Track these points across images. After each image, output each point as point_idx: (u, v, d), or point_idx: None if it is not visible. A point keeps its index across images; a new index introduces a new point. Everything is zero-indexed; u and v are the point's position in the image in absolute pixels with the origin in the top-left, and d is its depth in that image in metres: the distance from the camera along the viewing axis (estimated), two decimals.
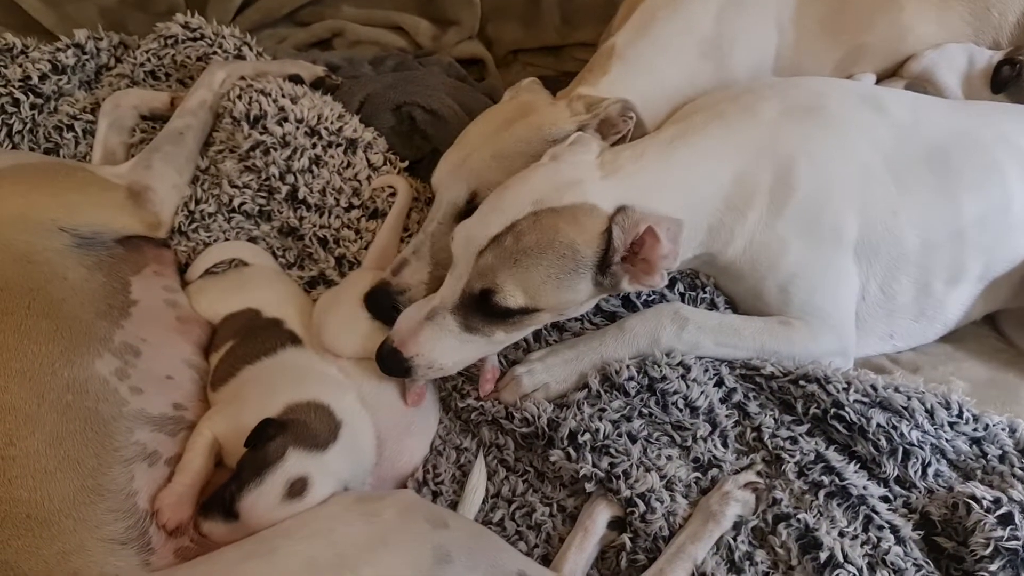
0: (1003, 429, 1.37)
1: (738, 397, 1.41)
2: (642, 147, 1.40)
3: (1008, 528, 1.17)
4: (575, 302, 1.32)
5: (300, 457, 1.17)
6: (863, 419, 1.34)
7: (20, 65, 1.85)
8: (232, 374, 1.36)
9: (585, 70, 1.65)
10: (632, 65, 1.59)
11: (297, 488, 1.14)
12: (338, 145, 1.66)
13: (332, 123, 1.67)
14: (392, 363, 1.30)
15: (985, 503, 1.21)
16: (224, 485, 1.17)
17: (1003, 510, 1.19)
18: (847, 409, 1.35)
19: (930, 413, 1.37)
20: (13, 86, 1.81)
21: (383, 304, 1.41)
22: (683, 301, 1.52)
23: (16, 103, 1.79)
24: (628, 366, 1.39)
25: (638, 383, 1.38)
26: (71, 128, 1.79)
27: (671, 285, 1.54)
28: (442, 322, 1.29)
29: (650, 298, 1.54)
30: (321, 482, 1.16)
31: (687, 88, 1.62)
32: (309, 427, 1.22)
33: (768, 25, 1.73)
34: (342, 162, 1.64)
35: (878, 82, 1.90)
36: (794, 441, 1.35)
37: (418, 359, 1.29)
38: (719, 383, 1.43)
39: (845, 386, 1.38)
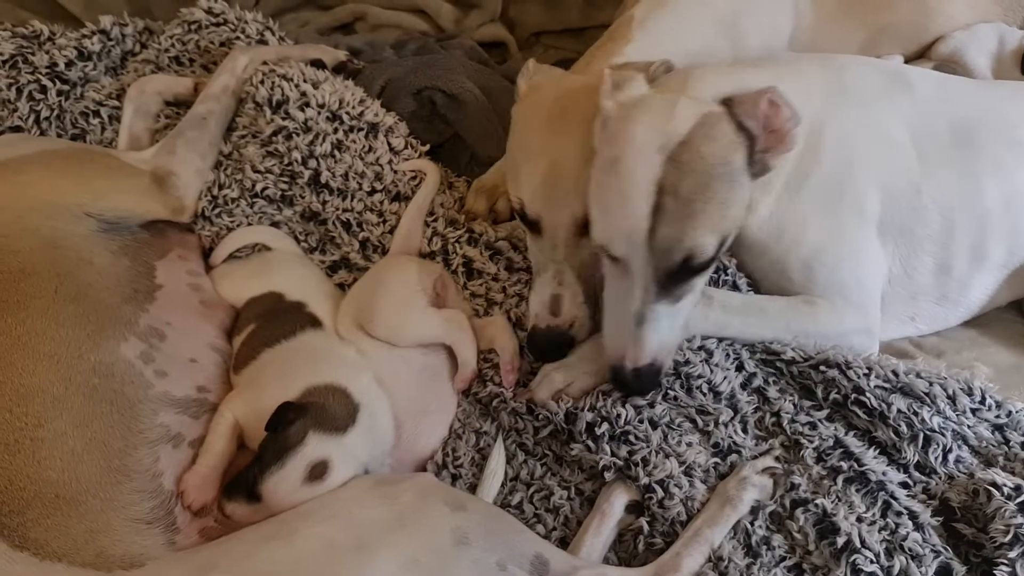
0: None
1: (758, 382, 1.41)
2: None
3: None
4: (743, 213, 1.29)
5: (320, 440, 1.18)
6: (884, 405, 1.33)
7: (47, 52, 1.86)
8: (253, 357, 1.37)
9: (604, 39, 1.64)
10: (653, 34, 1.59)
11: (318, 471, 1.16)
12: (360, 130, 1.66)
13: (353, 108, 1.67)
14: (646, 382, 1.29)
15: (1006, 490, 1.19)
16: (246, 468, 1.19)
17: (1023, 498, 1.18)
18: (868, 394, 1.34)
19: (952, 399, 1.35)
20: (40, 73, 1.83)
21: (557, 346, 1.38)
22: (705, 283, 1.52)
23: (43, 90, 1.81)
24: None
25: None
26: (97, 114, 1.81)
27: None
28: (654, 315, 1.25)
29: None
30: (341, 465, 1.18)
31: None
32: (328, 410, 1.23)
33: (784, 5, 1.71)
34: (364, 146, 1.65)
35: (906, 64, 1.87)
36: (813, 426, 1.35)
37: (658, 361, 1.28)
38: (739, 367, 1.42)
39: (866, 371, 1.36)
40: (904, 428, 1.31)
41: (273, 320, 1.43)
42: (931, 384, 1.36)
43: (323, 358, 1.36)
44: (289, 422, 1.19)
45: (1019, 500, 1.18)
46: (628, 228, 1.20)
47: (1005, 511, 1.17)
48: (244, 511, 1.16)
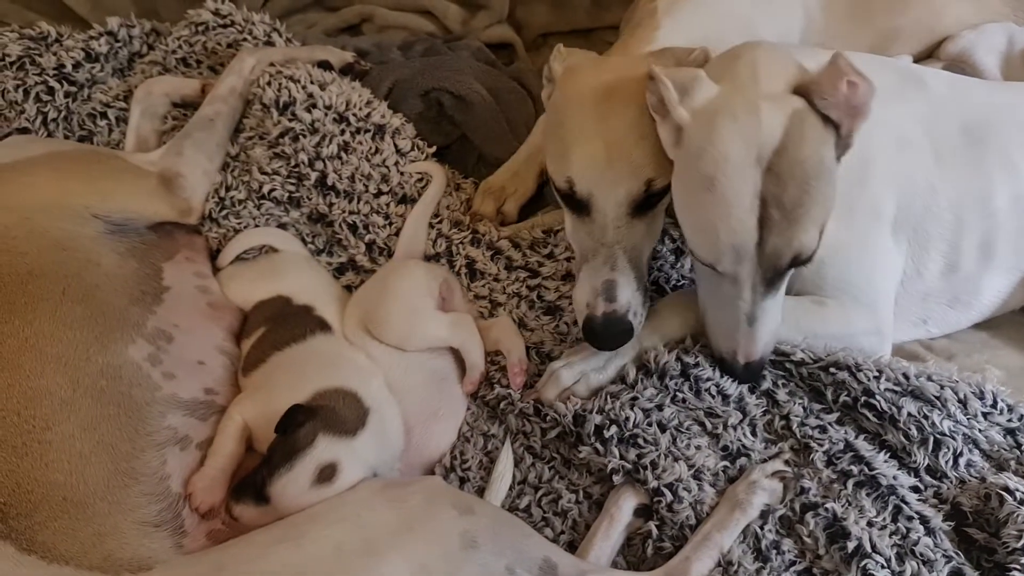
0: None
1: (767, 384, 1.40)
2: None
3: None
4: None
5: (329, 443, 1.18)
6: (894, 408, 1.32)
7: (54, 53, 1.86)
8: (262, 360, 1.37)
9: (633, 27, 1.64)
10: (680, 22, 1.59)
11: (327, 474, 1.16)
12: (366, 131, 1.66)
13: (360, 109, 1.67)
14: (755, 373, 1.32)
15: (1019, 495, 1.19)
16: (255, 470, 1.18)
17: None
18: (878, 397, 1.33)
19: (963, 403, 1.34)
20: (48, 74, 1.83)
21: (619, 332, 1.33)
22: None
23: (51, 91, 1.81)
24: (663, 352, 1.38)
25: (673, 369, 1.37)
26: (104, 116, 1.81)
27: None
28: (763, 312, 1.25)
29: (679, 283, 1.53)
30: (350, 468, 1.18)
31: None
32: (338, 413, 1.23)
33: (795, 7, 1.71)
34: (370, 148, 1.65)
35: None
36: (823, 430, 1.34)
37: (766, 351, 1.30)
38: None
39: (876, 374, 1.35)
40: (914, 432, 1.30)
41: (283, 324, 1.43)
42: (942, 387, 1.35)
43: (333, 362, 1.36)
44: (299, 424, 1.18)
45: None
46: (735, 245, 1.18)
47: (1018, 516, 1.16)
48: (252, 513, 1.15)
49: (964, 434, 1.30)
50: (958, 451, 1.29)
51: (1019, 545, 1.15)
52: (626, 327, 1.32)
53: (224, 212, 1.62)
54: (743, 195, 1.16)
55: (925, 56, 1.91)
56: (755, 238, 1.17)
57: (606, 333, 1.32)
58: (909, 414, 1.31)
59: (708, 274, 1.28)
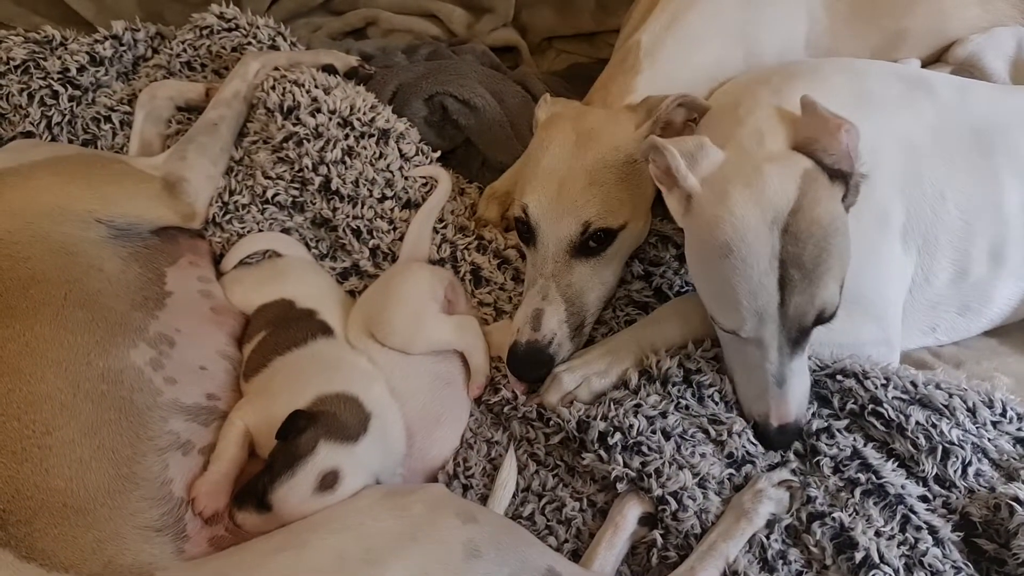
0: None
1: None
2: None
3: None
4: None
5: (331, 450, 1.17)
6: (902, 416, 1.31)
7: (59, 57, 1.86)
8: (264, 365, 1.36)
9: (613, 66, 1.62)
10: (662, 62, 1.57)
11: (329, 481, 1.15)
12: (371, 136, 1.65)
13: (365, 114, 1.66)
14: (791, 437, 1.30)
15: None
16: (257, 476, 1.18)
17: None
18: (885, 405, 1.32)
19: (972, 412, 1.33)
20: (52, 78, 1.82)
21: (537, 362, 1.38)
22: None
23: (55, 95, 1.81)
24: (665, 358, 1.37)
25: (675, 375, 1.36)
26: (108, 120, 1.80)
27: None
28: (791, 373, 1.24)
29: (684, 288, 1.52)
30: (352, 474, 1.17)
31: (718, 75, 1.60)
32: (339, 419, 1.22)
33: (797, 10, 1.70)
34: (374, 153, 1.64)
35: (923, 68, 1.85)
36: (831, 435, 1.33)
37: (800, 414, 1.28)
38: None
39: (884, 382, 1.34)
40: (922, 440, 1.29)
41: (284, 328, 1.42)
42: (950, 396, 1.34)
43: (335, 367, 1.35)
44: (300, 431, 1.18)
45: None
46: (758, 309, 1.18)
47: None
48: (255, 520, 1.15)
49: (973, 443, 1.29)
50: (967, 460, 1.27)
51: None
52: (544, 357, 1.37)
53: (228, 216, 1.61)
54: (762, 258, 1.15)
55: (933, 60, 1.89)
56: (777, 300, 1.17)
57: (524, 359, 1.37)
58: (917, 423, 1.30)
59: (731, 339, 1.28)
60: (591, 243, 1.40)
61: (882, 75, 1.51)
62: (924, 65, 1.86)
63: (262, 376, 1.36)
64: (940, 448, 1.28)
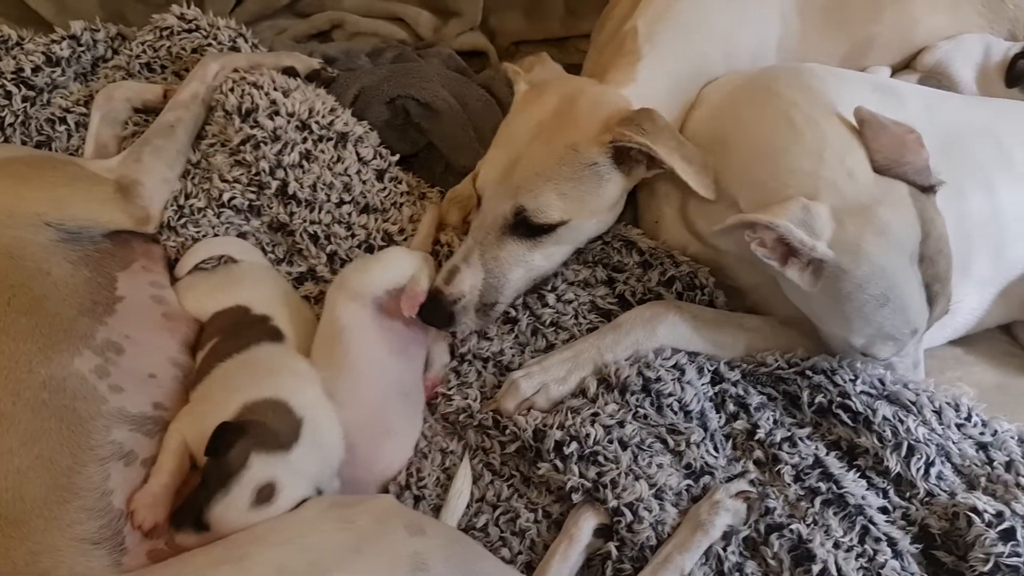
0: (1012, 437, 1.33)
1: (739, 391, 1.37)
2: None
3: (1009, 544, 1.13)
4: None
5: (264, 461, 1.14)
6: (869, 411, 1.31)
7: (14, 57, 1.82)
8: (206, 372, 1.33)
9: (613, 54, 1.57)
10: (662, 51, 1.54)
11: (265, 494, 1.11)
12: (329, 139, 1.62)
13: (324, 117, 1.63)
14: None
15: (987, 516, 1.16)
16: (192, 495, 1.14)
17: (1005, 525, 1.15)
18: (853, 399, 1.32)
19: (938, 412, 1.33)
20: (5, 78, 1.78)
21: (438, 314, 1.40)
22: (681, 300, 1.49)
23: (8, 95, 1.77)
24: (624, 366, 1.35)
25: (634, 384, 1.34)
26: (63, 121, 1.76)
27: (669, 284, 1.50)
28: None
29: (646, 296, 1.50)
30: (290, 484, 1.14)
31: (705, 71, 1.58)
32: (268, 427, 1.18)
33: (771, 11, 1.68)
34: (332, 156, 1.61)
35: (891, 75, 1.84)
36: (792, 444, 1.31)
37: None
38: (718, 379, 1.39)
39: (852, 377, 1.35)
40: (888, 434, 1.29)
41: (234, 334, 1.39)
42: (918, 395, 1.34)
43: (267, 371, 1.31)
44: (229, 444, 1.14)
45: (1000, 527, 1.15)
46: (914, 332, 1.26)
47: (985, 539, 1.14)
48: (193, 540, 1.11)
49: (938, 444, 1.29)
50: (930, 460, 1.27)
51: (986, 569, 1.13)
52: (444, 312, 1.39)
53: (183, 220, 1.58)
54: (915, 293, 1.22)
55: (903, 67, 1.89)
56: (927, 315, 1.25)
57: (428, 306, 1.39)
58: (884, 417, 1.30)
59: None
60: (526, 226, 1.39)
61: (853, 83, 1.50)
62: (893, 73, 1.86)
63: (203, 384, 1.32)
64: (906, 444, 1.28)
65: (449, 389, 1.42)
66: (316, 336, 1.40)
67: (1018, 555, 1.12)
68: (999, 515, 1.16)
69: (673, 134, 1.40)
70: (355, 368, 1.34)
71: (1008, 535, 1.14)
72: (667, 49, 1.54)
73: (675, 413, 1.32)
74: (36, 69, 1.82)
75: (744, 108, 1.41)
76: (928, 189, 1.26)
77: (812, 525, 1.21)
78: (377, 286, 1.40)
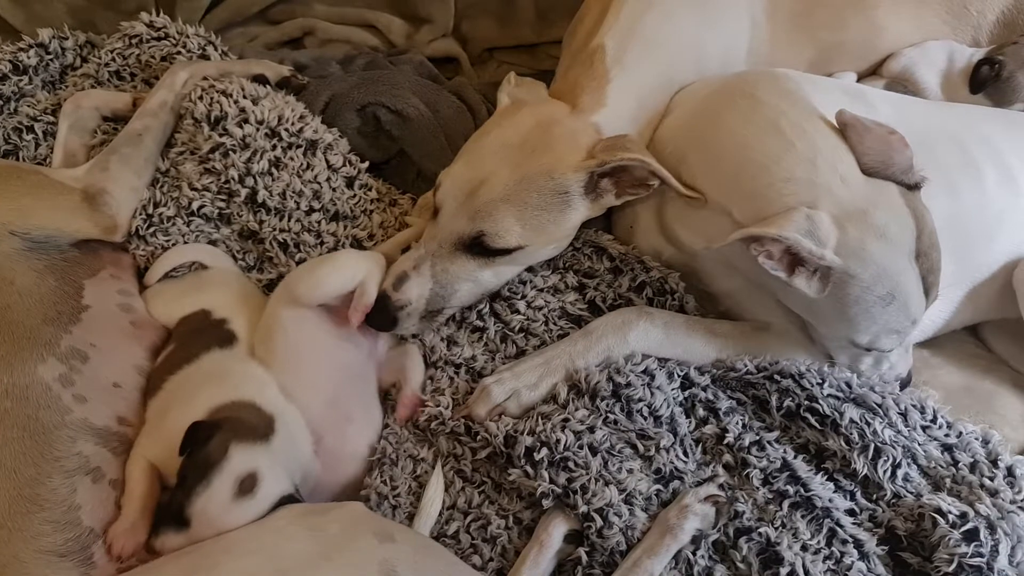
0: (976, 438, 1.35)
1: (708, 395, 1.38)
2: None
3: (972, 544, 1.14)
4: None
5: (245, 451, 1.14)
6: (836, 413, 1.31)
7: None
8: (159, 387, 1.33)
9: (582, 73, 1.55)
10: (631, 69, 1.53)
11: (247, 485, 1.11)
12: (298, 147, 1.62)
13: (293, 124, 1.63)
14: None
15: (951, 517, 1.18)
16: (170, 495, 1.14)
17: (969, 525, 1.16)
18: (821, 402, 1.33)
19: (904, 415, 1.35)
20: None
21: (383, 317, 1.40)
22: (652, 306, 1.50)
23: None
24: (595, 372, 1.36)
25: (604, 389, 1.34)
26: (31, 129, 1.74)
27: (639, 289, 1.51)
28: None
29: (616, 302, 1.51)
30: (271, 475, 1.14)
31: (677, 80, 1.59)
32: (244, 421, 1.18)
33: (741, 16, 1.69)
34: (302, 164, 1.61)
35: (858, 81, 1.86)
36: (761, 447, 1.32)
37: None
38: (688, 384, 1.39)
39: (819, 380, 1.36)
40: (856, 437, 1.30)
41: (187, 342, 1.38)
42: (884, 397, 1.35)
43: (224, 377, 1.31)
44: (205, 440, 1.13)
45: (964, 528, 1.16)
46: (915, 323, 1.30)
47: (950, 539, 1.16)
48: (175, 541, 1.10)
49: (904, 446, 1.30)
50: (897, 461, 1.28)
51: (950, 570, 1.14)
52: (389, 316, 1.40)
53: (152, 229, 1.57)
54: (915, 288, 1.26)
55: (869, 73, 1.91)
56: (924, 304, 1.30)
57: (373, 310, 1.39)
58: (851, 420, 1.31)
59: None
60: (481, 247, 1.40)
61: (822, 88, 1.51)
62: (859, 79, 1.88)
63: (158, 400, 1.31)
64: (872, 447, 1.29)
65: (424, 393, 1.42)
66: (257, 332, 1.41)
67: (981, 555, 1.13)
68: (963, 516, 1.17)
69: (649, 153, 1.43)
70: (300, 363, 1.35)
71: (971, 536, 1.15)
72: (636, 66, 1.54)
73: (645, 418, 1.32)
74: (3, 78, 1.82)
75: (727, 116, 1.40)
76: (914, 187, 1.29)
77: (780, 528, 1.22)
78: (324, 293, 1.40)
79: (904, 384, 1.43)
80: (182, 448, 1.13)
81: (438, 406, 1.38)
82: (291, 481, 1.18)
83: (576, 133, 1.44)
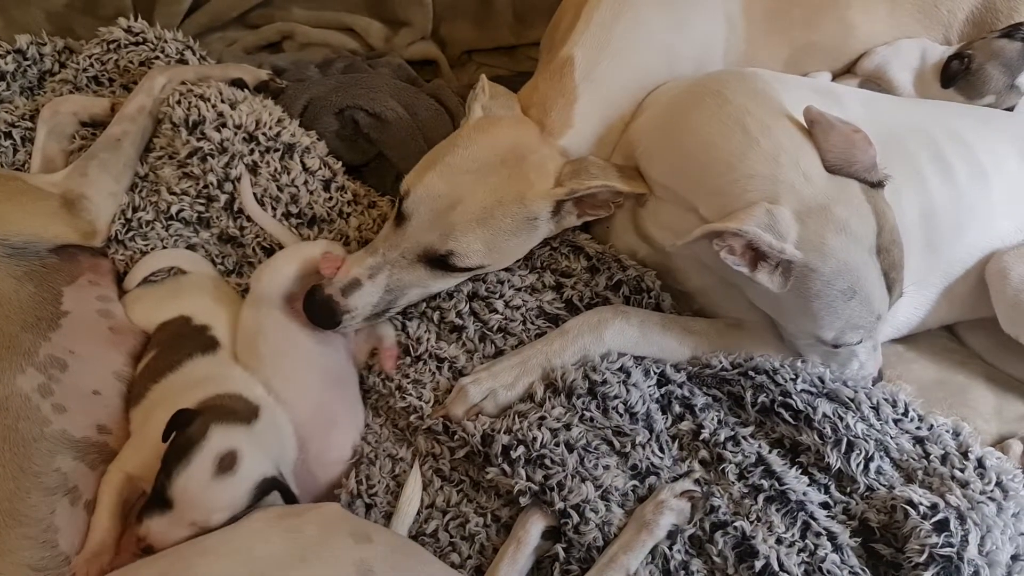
0: (947, 431, 1.36)
1: (684, 392, 1.39)
2: None
3: (943, 535, 1.16)
4: None
5: (224, 432, 1.15)
6: (810, 408, 1.33)
7: None
8: (143, 395, 1.33)
9: (551, 88, 1.55)
10: (599, 82, 1.54)
11: (227, 463, 1.13)
12: (275, 151, 1.62)
13: (270, 128, 1.63)
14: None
15: (922, 508, 1.19)
16: (155, 480, 1.14)
17: (939, 516, 1.18)
18: (794, 398, 1.34)
19: (876, 408, 1.36)
20: None
21: (326, 316, 1.40)
22: (628, 304, 1.51)
23: None
24: (571, 370, 1.37)
25: (580, 387, 1.35)
26: (9, 136, 1.74)
27: (616, 288, 1.52)
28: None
29: (594, 301, 1.52)
30: (251, 455, 1.15)
31: (647, 84, 1.60)
32: (227, 407, 1.20)
33: (716, 16, 1.70)
34: (278, 168, 1.61)
35: (832, 80, 1.88)
36: (736, 443, 1.34)
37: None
38: (664, 381, 1.41)
39: (793, 376, 1.38)
40: (828, 431, 1.31)
41: (171, 348, 1.39)
42: (856, 392, 1.37)
43: (210, 378, 1.32)
44: (187, 423, 1.15)
45: (935, 519, 1.18)
46: (879, 318, 1.31)
47: (920, 530, 1.17)
48: (161, 524, 1.11)
49: (876, 439, 1.32)
50: (869, 455, 1.30)
51: (922, 560, 1.15)
52: (334, 319, 1.39)
53: (131, 234, 1.57)
54: (877, 283, 1.28)
55: (843, 72, 1.93)
56: (888, 300, 1.31)
57: (318, 307, 1.39)
58: (824, 414, 1.32)
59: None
60: (443, 262, 1.41)
61: (792, 87, 1.52)
62: (834, 77, 1.90)
63: (142, 408, 1.32)
64: (845, 440, 1.30)
65: (406, 381, 1.43)
66: (237, 339, 1.42)
67: (951, 545, 1.15)
68: (934, 507, 1.19)
69: (612, 167, 1.48)
70: (286, 368, 1.37)
71: (942, 526, 1.17)
72: (605, 78, 1.55)
73: (621, 415, 1.34)
74: None
75: (694, 115, 1.41)
76: (877, 184, 1.31)
77: (755, 522, 1.24)
78: (281, 285, 1.42)
79: (875, 382, 1.44)
80: (165, 434, 1.14)
81: (419, 398, 1.39)
82: (274, 464, 1.19)
83: (545, 160, 1.46)
